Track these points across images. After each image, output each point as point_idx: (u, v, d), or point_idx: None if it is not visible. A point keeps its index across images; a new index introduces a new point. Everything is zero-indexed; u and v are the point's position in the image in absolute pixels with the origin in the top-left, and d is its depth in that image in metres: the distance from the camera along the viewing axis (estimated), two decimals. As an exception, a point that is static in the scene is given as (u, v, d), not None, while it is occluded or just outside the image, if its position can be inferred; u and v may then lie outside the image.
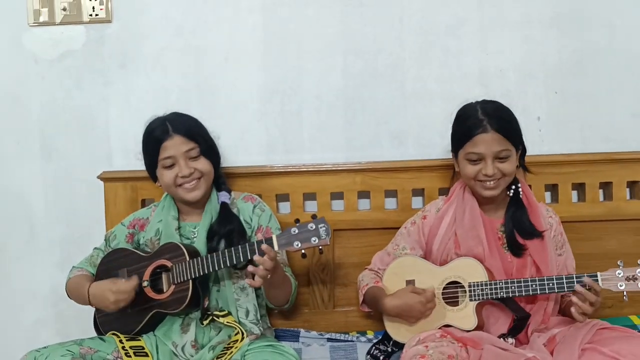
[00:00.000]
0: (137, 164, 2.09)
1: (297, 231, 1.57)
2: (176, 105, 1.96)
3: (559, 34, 2.10)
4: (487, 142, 1.68)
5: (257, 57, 2.10)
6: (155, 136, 1.76)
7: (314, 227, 1.56)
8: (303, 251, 1.60)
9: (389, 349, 1.80)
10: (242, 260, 1.62)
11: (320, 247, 1.58)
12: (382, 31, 2.09)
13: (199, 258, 1.67)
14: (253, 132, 2.12)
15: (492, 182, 1.70)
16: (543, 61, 2.10)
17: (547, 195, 2.12)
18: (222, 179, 1.88)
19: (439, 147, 2.08)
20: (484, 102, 1.76)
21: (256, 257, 1.58)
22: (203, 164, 1.78)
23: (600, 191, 2.08)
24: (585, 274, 1.60)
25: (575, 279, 1.61)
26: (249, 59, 2.10)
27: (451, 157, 1.83)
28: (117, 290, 1.66)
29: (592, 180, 2.06)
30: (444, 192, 2.05)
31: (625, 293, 1.57)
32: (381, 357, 1.79)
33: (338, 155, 2.10)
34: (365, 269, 1.91)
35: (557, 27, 2.09)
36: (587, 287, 1.58)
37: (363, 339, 1.98)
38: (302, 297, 2.05)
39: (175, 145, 1.74)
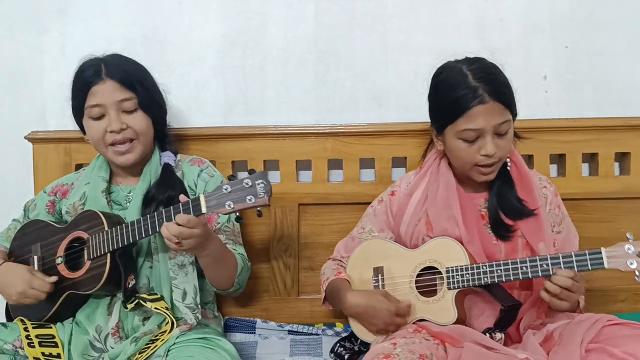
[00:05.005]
0: (74, 123, 1.85)
1: (229, 189, 1.30)
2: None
3: (570, -22, 1.87)
4: (486, 114, 1.40)
5: (215, 1, 1.88)
6: (84, 78, 1.51)
7: (250, 183, 1.29)
8: (237, 213, 1.34)
9: (356, 348, 1.56)
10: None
11: (258, 209, 1.31)
12: (361, -28, 1.86)
13: (118, 227, 1.41)
14: (209, 89, 1.90)
15: (490, 167, 1.43)
16: (551, 10, 1.88)
17: (553, 168, 1.89)
18: (168, 138, 1.65)
19: (425, 109, 1.79)
20: (468, 61, 1.46)
21: (172, 228, 1.31)
22: (138, 121, 1.52)
23: (616, 164, 1.87)
24: (587, 250, 1.34)
25: (574, 258, 1.34)
26: (206, 4, 1.89)
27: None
28: (30, 281, 1.44)
29: (606, 150, 1.83)
30: (429, 161, 1.81)
31: (637, 273, 1.30)
32: (346, 357, 1.54)
33: (306, 117, 1.89)
34: (328, 259, 1.68)
35: (568, -30, 1.88)
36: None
37: (330, 332, 1.75)
38: (260, 281, 1.85)
39: (106, 92, 1.49)
